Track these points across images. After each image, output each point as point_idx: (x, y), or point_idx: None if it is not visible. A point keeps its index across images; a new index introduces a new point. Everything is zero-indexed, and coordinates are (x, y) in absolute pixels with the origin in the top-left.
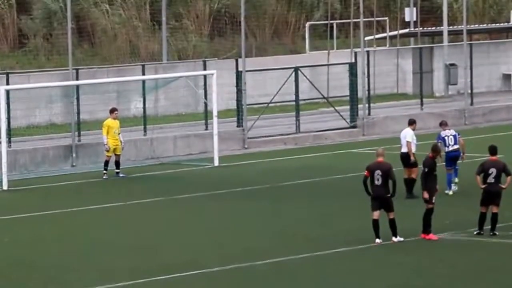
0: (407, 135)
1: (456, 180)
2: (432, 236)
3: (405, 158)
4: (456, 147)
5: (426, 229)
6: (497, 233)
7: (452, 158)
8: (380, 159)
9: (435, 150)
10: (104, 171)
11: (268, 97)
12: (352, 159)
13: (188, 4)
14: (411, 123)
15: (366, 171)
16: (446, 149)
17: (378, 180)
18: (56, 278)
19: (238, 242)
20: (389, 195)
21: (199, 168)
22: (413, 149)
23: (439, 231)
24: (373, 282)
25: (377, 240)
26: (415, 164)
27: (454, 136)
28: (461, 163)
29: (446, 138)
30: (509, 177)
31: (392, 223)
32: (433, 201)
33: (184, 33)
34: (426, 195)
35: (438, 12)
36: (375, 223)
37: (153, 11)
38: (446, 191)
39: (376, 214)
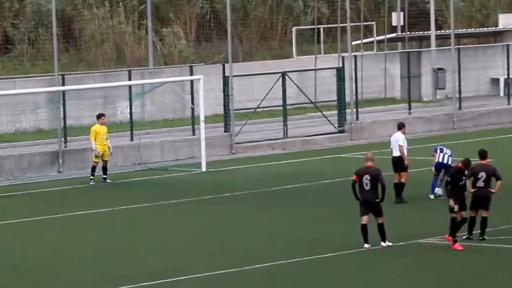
0: (399, 139)
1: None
2: (456, 246)
3: (397, 162)
4: (445, 161)
5: (453, 235)
6: (486, 238)
7: (442, 167)
8: (369, 163)
9: (466, 163)
10: (91, 177)
11: (255, 102)
12: (340, 164)
13: (175, 9)
14: (401, 127)
15: (354, 176)
16: (438, 159)
17: (367, 185)
18: (44, 284)
19: (226, 247)
20: (377, 200)
21: (186, 173)
22: (405, 153)
23: (428, 236)
24: (362, 287)
25: (366, 245)
26: (406, 169)
27: (448, 156)
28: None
29: (443, 154)
30: (499, 181)
31: (381, 227)
32: (456, 209)
33: (170, 38)
34: (451, 203)
35: (427, 17)
36: (364, 228)
37: (141, 17)
38: (430, 195)
39: (364, 219)
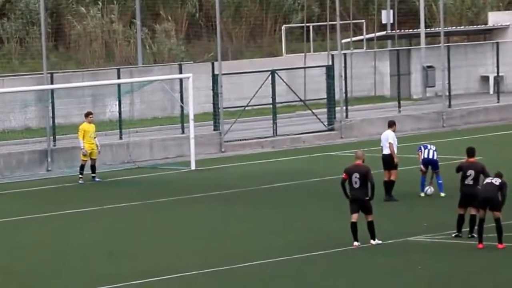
0: (389, 136)
1: (442, 194)
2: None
3: (387, 160)
4: (431, 157)
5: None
6: (475, 235)
7: (429, 163)
8: (358, 161)
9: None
10: (80, 176)
11: (244, 100)
12: (330, 162)
13: (166, 7)
14: (391, 124)
15: (344, 174)
16: (423, 156)
17: (356, 183)
18: (32, 284)
19: (215, 246)
20: (367, 198)
21: (175, 172)
22: (395, 151)
23: (418, 234)
24: (352, 285)
25: (355, 243)
26: (396, 167)
27: (434, 151)
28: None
29: (427, 150)
30: (487, 178)
31: (370, 225)
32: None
33: (161, 36)
34: None
35: (416, 15)
36: (353, 226)
37: (132, 16)
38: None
39: (354, 217)
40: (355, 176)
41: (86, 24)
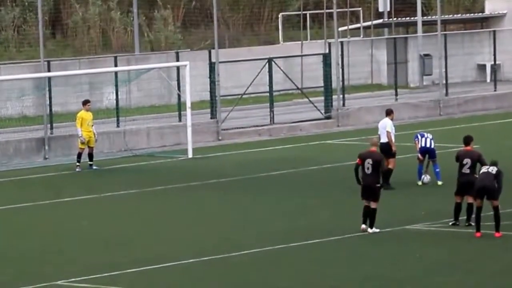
0: (387, 125)
1: (440, 183)
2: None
3: (385, 148)
4: (429, 145)
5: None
6: (472, 223)
7: (426, 151)
8: (373, 148)
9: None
10: (77, 164)
11: (242, 88)
12: (327, 150)
13: None
14: (389, 113)
15: (358, 159)
16: (420, 144)
17: (368, 169)
18: (29, 272)
19: (212, 234)
20: (378, 184)
21: (173, 160)
22: (393, 139)
23: (414, 222)
24: (349, 273)
25: (363, 226)
26: (394, 155)
27: (431, 140)
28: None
29: (424, 139)
30: (484, 168)
31: (372, 213)
32: None
33: (158, 23)
34: None
35: (413, 3)
36: (366, 209)
37: (130, 4)
38: (418, 182)
39: (366, 202)
40: (368, 162)
41: (83, 12)
